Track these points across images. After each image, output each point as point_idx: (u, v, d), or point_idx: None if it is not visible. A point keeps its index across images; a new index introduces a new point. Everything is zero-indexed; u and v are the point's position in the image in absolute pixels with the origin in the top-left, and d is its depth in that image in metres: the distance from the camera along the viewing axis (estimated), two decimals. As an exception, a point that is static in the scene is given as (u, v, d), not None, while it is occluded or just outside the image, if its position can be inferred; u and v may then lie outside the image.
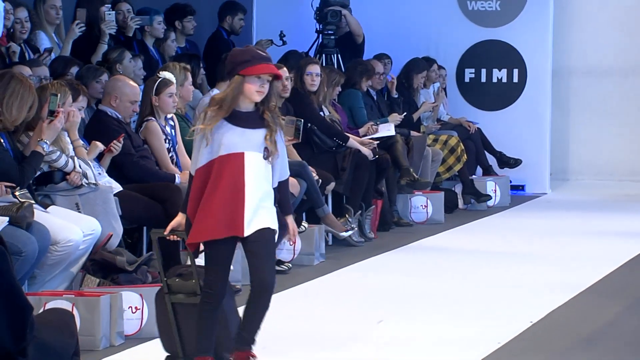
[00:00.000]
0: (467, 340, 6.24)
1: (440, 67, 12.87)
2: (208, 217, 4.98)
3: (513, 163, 12.81)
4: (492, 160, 12.81)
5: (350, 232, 9.54)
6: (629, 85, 14.23)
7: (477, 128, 12.79)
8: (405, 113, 11.54)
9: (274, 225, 5.07)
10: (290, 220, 5.22)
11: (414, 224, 10.97)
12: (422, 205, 11.14)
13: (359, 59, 11.68)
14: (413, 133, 11.57)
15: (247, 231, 5.00)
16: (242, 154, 4.99)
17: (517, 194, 13.13)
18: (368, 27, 12.65)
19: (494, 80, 13.66)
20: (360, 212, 9.91)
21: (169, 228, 5.19)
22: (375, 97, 11.58)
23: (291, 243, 5.39)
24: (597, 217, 11.44)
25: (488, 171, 12.69)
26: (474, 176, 12.47)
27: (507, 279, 8.18)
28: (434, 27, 13.48)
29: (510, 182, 12.81)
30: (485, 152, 12.80)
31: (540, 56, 13.46)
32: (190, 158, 8.02)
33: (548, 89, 13.55)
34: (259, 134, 5.02)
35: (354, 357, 5.93)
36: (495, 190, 12.35)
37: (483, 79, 13.71)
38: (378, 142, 10.50)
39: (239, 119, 5.01)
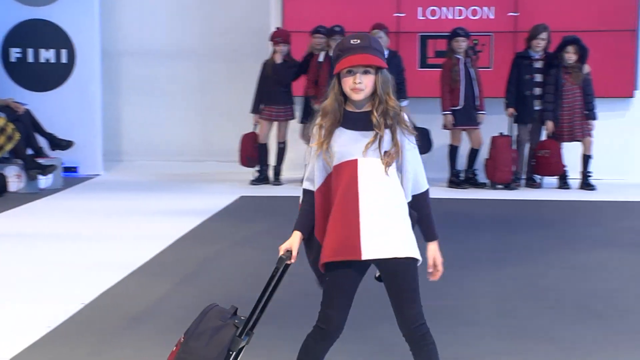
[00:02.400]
0: (15, 325, 6.11)
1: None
2: (326, 237, 4.23)
3: (65, 145, 12.69)
4: (43, 142, 12.62)
5: None
6: (177, 67, 14.58)
7: (27, 109, 12.55)
8: None
9: (417, 253, 4.21)
10: (433, 248, 4.34)
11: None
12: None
13: None
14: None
15: (369, 254, 4.15)
16: (355, 160, 4.20)
17: (70, 176, 13.05)
18: None
19: (42, 60, 13.46)
20: None
21: (287, 250, 4.28)
22: None
23: (431, 278, 4.35)
24: (148, 197, 11.61)
25: (39, 153, 12.49)
26: (24, 160, 12.23)
27: (58, 261, 8.10)
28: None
29: (63, 164, 12.70)
30: (36, 134, 12.58)
31: (87, 36, 13.43)
32: None
33: (98, 70, 13.55)
34: (372, 136, 4.23)
35: None
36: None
37: (30, 59, 13.46)
38: None
39: (349, 120, 4.24)
